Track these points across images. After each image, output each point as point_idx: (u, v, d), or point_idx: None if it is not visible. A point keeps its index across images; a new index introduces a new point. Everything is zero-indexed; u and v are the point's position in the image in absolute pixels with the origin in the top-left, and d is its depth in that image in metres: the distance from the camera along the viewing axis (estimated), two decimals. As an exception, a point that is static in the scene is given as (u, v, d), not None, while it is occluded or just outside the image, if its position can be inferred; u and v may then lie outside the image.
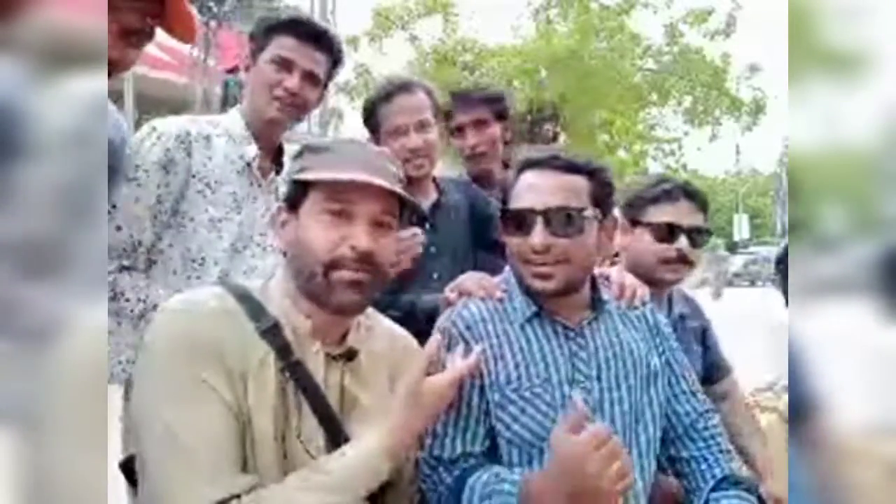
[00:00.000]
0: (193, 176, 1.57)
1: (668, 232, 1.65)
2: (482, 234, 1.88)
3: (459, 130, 2.17)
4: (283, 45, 1.62)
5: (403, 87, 1.81)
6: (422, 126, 1.77)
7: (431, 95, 1.85)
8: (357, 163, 1.08)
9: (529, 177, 1.28)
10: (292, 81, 1.61)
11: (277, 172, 1.72)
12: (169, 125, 1.59)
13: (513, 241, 1.28)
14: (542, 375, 1.25)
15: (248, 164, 1.64)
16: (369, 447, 1.05)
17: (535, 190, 1.26)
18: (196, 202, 1.57)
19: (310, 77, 1.64)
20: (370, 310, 1.24)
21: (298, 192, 1.10)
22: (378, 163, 1.10)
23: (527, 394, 1.24)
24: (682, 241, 1.64)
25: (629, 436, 1.26)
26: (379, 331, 1.25)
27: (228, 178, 1.61)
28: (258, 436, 1.02)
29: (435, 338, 1.19)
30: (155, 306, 1.44)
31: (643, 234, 1.68)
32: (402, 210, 1.16)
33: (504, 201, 1.33)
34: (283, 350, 1.06)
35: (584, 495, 1.02)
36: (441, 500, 1.20)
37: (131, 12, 1.23)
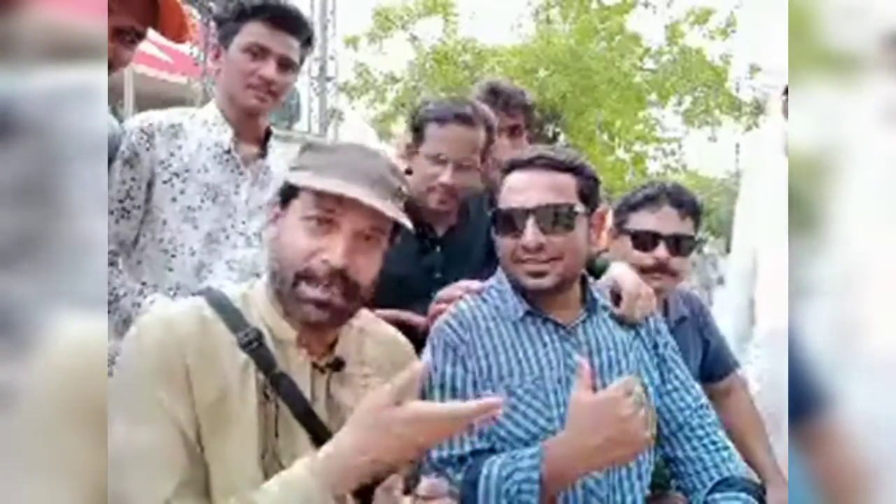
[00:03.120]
0: (160, 164, 1.55)
1: (647, 240, 1.62)
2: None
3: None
4: (256, 32, 1.57)
5: (463, 118, 1.64)
6: (463, 165, 1.63)
7: (491, 131, 1.70)
8: (353, 172, 1.02)
9: (517, 177, 1.29)
10: (268, 70, 1.57)
11: (263, 157, 1.68)
12: (135, 120, 1.58)
13: (504, 241, 1.29)
14: (535, 374, 1.25)
15: (228, 151, 1.61)
16: (301, 481, 0.90)
17: (523, 189, 1.27)
18: (164, 193, 1.55)
19: (285, 62, 1.60)
20: (366, 312, 1.20)
21: (289, 191, 1.07)
22: (377, 174, 1.04)
23: (519, 391, 1.24)
24: (660, 250, 1.60)
25: None
26: (375, 336, 1.20)
27: (204, 167, 1.58)
28: (237, 453, 0.98)
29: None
30: (125, 301, 1.45)
31: (626, 241, 1.66)
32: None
33: (492, 203, 1.33)
34: (265, 363, 1.01)
35: (614, 443, 1.06)
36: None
37: (124, 12, 1.24)
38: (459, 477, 1.18)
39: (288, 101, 14.19)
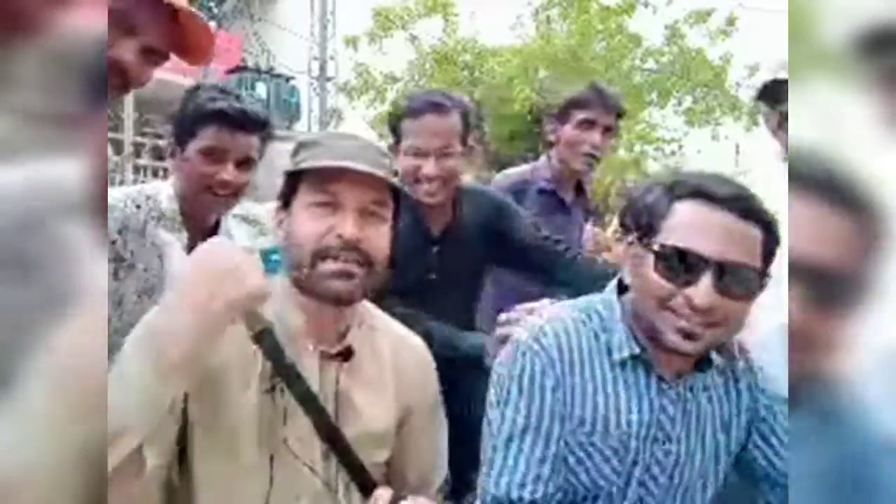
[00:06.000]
0: (118, 257, 1.57)
1: None
2: (498, 251, 1.78)
3: (588, 123, 2.13)
4: (214, 136, 1.57)
5: (435, 106, 1.64)
6: (444, 154, 1.64)
7: (467, 116, 1.68)
8: (346, 150, 1.08)
9: (697, 211, 1.06)
10: (227, 173, 1.58)
11: None
12: (114, 195, 1.59)
13: (660, 283, 1.07)
14: (623, 429, 1.14)
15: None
16: (140, 371, 0.89)
17: (706, 232, 1.04)
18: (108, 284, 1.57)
19: (244, 161, 1.62)
20: (376, 311, 1.24)
21: (289, 188, 1.12)
22: (366, 153, 1.10)
23: (598, 442, 1.13)
24: None
25: (690, 492, 1.20)
26: (384, 333, 1.23)
27: (150, 266, 1.60)
28: (229, 441, 1.02)
29: None
30: None
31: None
32: (398, 204, 1.16)
33: (643, 227, 1.12)
34: (274, 352, 1.05)
35: None
36: None
37: (154, 33, 1.22)
38: None
39: (288, 100, 14.23)
